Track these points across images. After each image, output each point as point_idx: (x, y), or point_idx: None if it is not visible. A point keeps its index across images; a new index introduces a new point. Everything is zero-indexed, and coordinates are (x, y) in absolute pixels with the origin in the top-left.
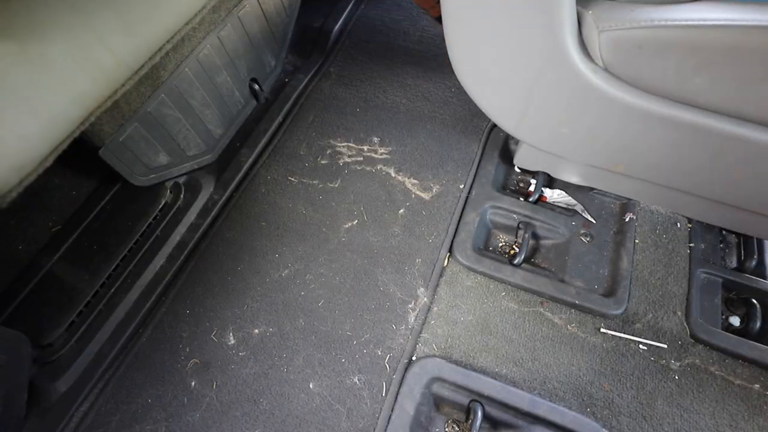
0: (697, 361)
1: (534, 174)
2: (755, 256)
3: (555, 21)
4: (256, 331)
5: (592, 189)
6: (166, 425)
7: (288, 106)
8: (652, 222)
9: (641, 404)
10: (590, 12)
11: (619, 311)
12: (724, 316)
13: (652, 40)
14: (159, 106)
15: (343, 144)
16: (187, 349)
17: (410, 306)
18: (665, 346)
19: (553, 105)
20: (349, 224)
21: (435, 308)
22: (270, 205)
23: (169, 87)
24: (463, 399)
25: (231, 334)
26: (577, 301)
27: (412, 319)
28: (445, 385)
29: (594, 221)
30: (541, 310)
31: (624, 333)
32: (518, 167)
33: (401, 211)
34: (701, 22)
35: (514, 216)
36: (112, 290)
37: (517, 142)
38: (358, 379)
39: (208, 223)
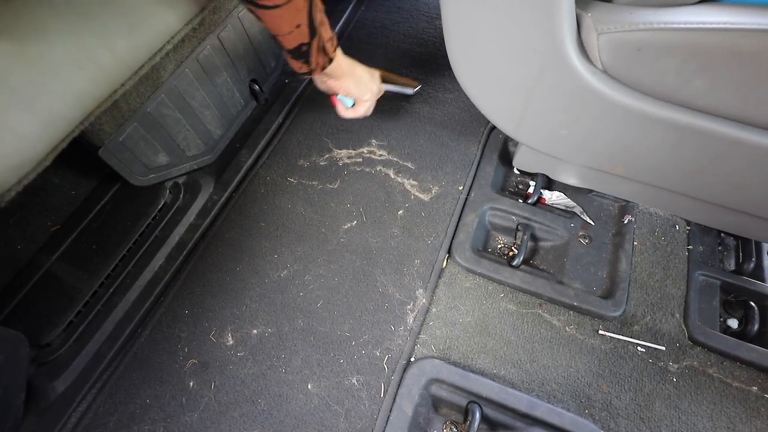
0: (695, 363)
1: (533, 176)
2: (753, 259)
3: (554, 23)
4: (255, 331)
5: (591, 191)
6: (164, 425)
7: (288, 107)
8: (651, 224)
9: (639, 406)
10: (589, 14)
11: (618, 313)
12: (722, 319)
13: (651, 43)
14: (159, 107)
15: (342, 145)
16: (186, 350)
17: (409, 307)
18: (663, 348)
19: (552, 107)
20: (348, 225)
21: (433, 309)
22: (269, 205)
23: (169, 87)
24: (462, 400)
25: (230, 335)
26: (575, 303)
27: (411, 320)
28: (444, 386)
29: (593, 223)
30: (540, 311)
31: (622, 335)
32: (517, 169)
33: (400, 212)
34: (700, 25)
35: (513, 218)
36: (111, 290)
37: (516, 143)
38: (357, 380)
39: (207, 223)
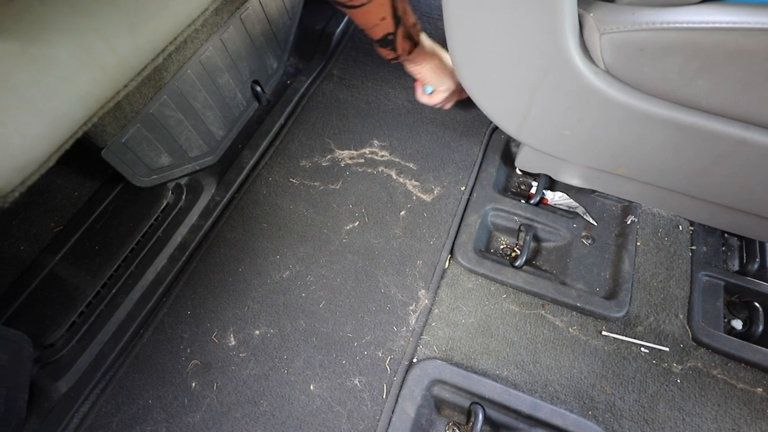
0: (699, 364)
1: (535, 176)
2: (757, 259)
3: (556, 23)
4: (257, 332)
5: (593, 191)
6: (166, 426)
7: (290, 108)
8: (654, 225)
9: (643, 408)
10: (591, 14)
11: (621, 314)
12: (726, 320)
13: (654, 43)
14: (161, 108)
15: (344, 146)
16: (188, 350)
17: (411, 308)
18: (667, 349)
19: (554, 107)
20: (350, 226)
21: (436, 310)
22: (271, 206)
23: (172, 88)
24: (464, 401)
25: (232, 336)
26: (578, 304)
27: (413, 321)
28: (446, 388)
29: (595, 224)
30: (543, 312)
31: (626, 336)
32: (519, 169)
33: (402, 212)
34: (703, 25)
35: (516, 218)
36: (114, 291)
37: (518, 144)
38: (359, 381)
39: (209, 224)
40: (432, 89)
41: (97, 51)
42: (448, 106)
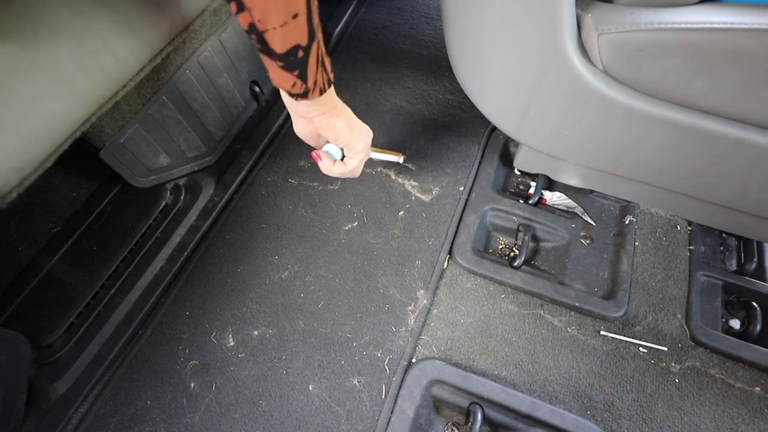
0: (697, 364)
1: (534, 176)
2: (755, 259)
3: (555, 24)
4: (256, 332)
5: (592, 191)
6: (165, 427)
7: None
8: (652, 224)
9: (641, 407)
10: (589, 15)
11: (619, 314)
12: (724, 319)
13: (652, 43)
14: (160, 108)
15: None
16: (187, 351)
17: (410, 308)
18: (665, 348)
19: (553, 108)
20: (349, 226)
21: (435, 310)
22: (270, 206)
23: (170, 89)
24: (463, 401)
25: (230, 336)
26: (577, 304)
27: (412, 321)
28: (445, 388)
29: (594, 224)
30: (541, 312)
31: (624, 336)
32: (518, 170)
33: (401, 213)
34: (701, 25)
35: (514, 218)
36: (112, 291)
37: (516, 144)
38: (358, 381)
39: (208, 224)
40: (340, 155)
41: (96, 51)
42: (358, 171)
